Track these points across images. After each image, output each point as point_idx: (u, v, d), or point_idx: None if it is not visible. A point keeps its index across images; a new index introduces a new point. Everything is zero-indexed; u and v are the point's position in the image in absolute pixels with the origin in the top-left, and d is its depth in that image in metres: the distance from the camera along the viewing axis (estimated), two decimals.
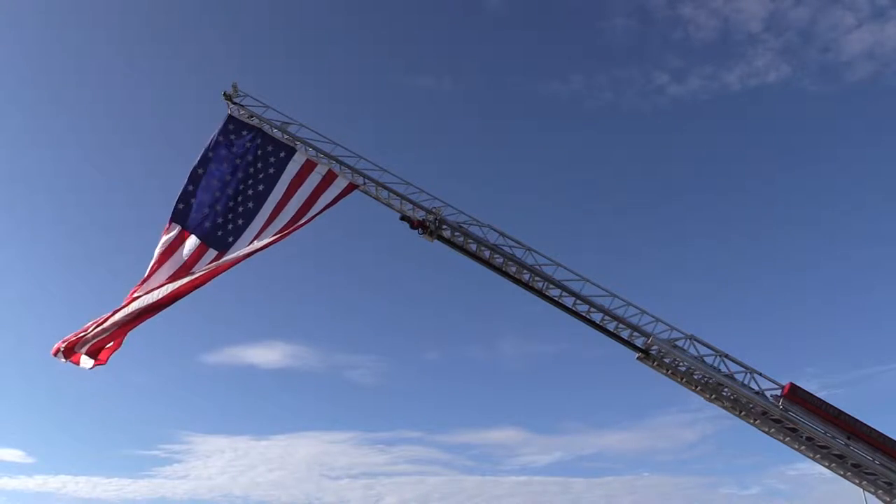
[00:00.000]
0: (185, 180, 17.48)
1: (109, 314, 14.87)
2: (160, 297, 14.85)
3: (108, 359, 15.27)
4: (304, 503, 62.89)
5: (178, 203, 17.21)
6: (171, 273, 15.94)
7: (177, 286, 15.04)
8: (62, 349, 14.86)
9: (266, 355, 73.08)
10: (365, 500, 62.08)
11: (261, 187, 17.23)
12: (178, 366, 70.24)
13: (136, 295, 15.35)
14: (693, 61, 72.40)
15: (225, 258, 15.95)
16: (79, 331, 14.95)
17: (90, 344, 14.83)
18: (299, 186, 17.26)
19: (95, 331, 14.67)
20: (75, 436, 68.70)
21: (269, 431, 73.18)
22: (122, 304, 15.50)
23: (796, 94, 68.28)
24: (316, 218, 16.80)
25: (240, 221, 16.76)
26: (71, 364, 15.06)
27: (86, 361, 15.02)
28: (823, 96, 68.11)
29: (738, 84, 69.14)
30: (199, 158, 17.84)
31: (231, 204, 17.02)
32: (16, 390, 68.50)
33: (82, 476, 63.20)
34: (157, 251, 16.48)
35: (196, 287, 15.26)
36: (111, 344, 15.09)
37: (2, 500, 60.64)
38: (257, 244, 16.14)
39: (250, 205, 16.99)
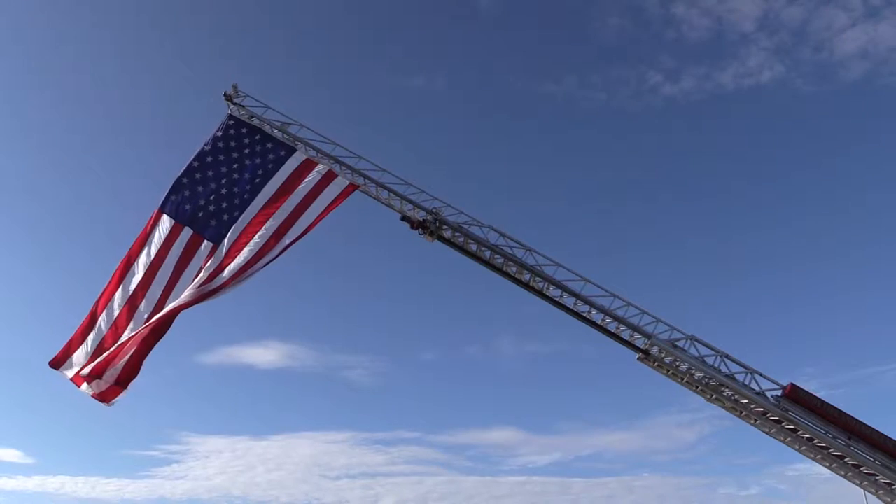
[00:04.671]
0: (180, 173, 17.33)
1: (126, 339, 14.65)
2: (172, 308, 14.77)
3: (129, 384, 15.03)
4: (303, 503, 62.97)
5: (169, 193, 16.98)
6: (172, 274, 15.77)
7: (188, 298, 14.95)
8: (90, 385, 14.64)
9: (263, 355, 72.88)
10: (363, 500, 62.11)
11: (257, 180, 17.13)
12: (176, 366, 69.67)
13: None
14: (686, 61, 72.44)
15: (236, 268, 15.59)
16: (100, 360, 14.51)
17: (118, 371, 14.59)
18: (298, 183, 17.14)
19: (123, 357, 14.44)
20: (74, 436, 68.46)
21: (267, 432, 73.10)
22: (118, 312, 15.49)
23: (790, 94, 68.28)
24: (319, 223, 16.70)
25: (235, 213, 16.60)
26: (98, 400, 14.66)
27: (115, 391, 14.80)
28: (817, 96, 68.23)
29: (732, 84, 69.27)
30: (196, 153, 17.76)
31: (225, 193, 16.89)
32: (14, 390, 68.36)
33: (81, 476, 63.18)
34: (155, 247, 16.15)
35: (205, 300, 15.16)
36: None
37: (0, 500, 60.65)
38: (267, 255, 15.84)
39: (245, 196, 16.85)
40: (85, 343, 15.36)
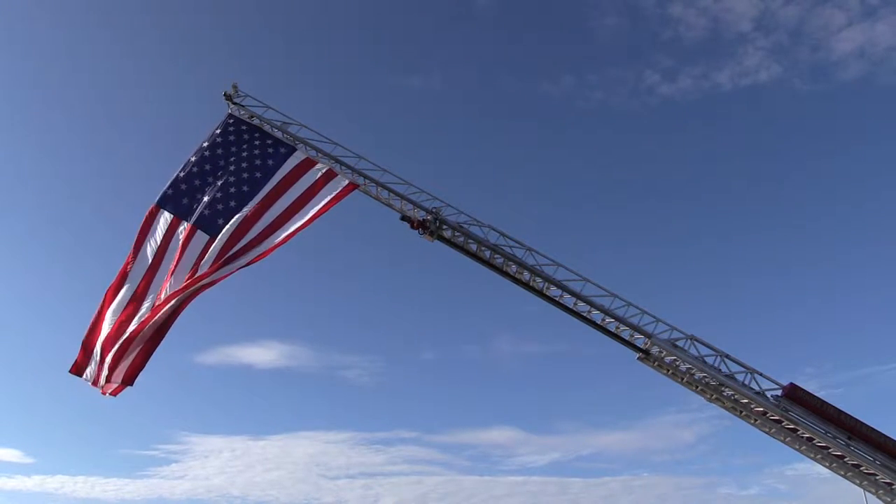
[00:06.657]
0: (178, 169, 17.29)
1: (129, 333, 14.76)
2: (171, 307, 14.84)
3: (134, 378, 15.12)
4: (303, 503, 62.98)
5: (167, 189, 16.93)
6: (171, 268, 15.78)
7: (185, 292, 14.98)
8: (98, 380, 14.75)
9: (262, 355, 72.87)
10: (363, 500, 62.11)
11: (258, 175, 17.11)
12: (175, 366, 69.40)
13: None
14: (684, 61, 72.56)
15: (229, 260, 15.67)
16: (110, 359, 14.63)
17: (121, 370, 14.72)
18: (297, 180, 17.13)
19: (126, 356, 14.62)
20: (73, 436, 68.57)
21: (266, 431, 73.16)
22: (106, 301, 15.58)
23: (787, 94, 68.45)
24: (318, 218, 16.68)
25: (232, 204, 16.54)
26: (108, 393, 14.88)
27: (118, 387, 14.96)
28: (815, 95, 68.31)
29: (729, 83, 69.28)
30: (195, 150, 17.77)
31: (224, 190, 16.83)
32: (14, 390, 68.43)
33: (80, 476, 63.11)
34: (155, 242, 16.17)
35: (199, 293, 15.21)
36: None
37: (0, 500, 60.63)
38: (262, 247, 15.91)
39: (245, 189, 16.82)
40: (98, 345, 15.22)
